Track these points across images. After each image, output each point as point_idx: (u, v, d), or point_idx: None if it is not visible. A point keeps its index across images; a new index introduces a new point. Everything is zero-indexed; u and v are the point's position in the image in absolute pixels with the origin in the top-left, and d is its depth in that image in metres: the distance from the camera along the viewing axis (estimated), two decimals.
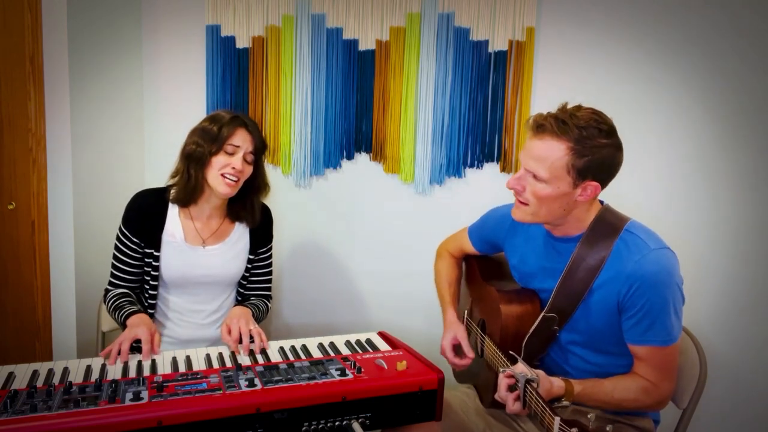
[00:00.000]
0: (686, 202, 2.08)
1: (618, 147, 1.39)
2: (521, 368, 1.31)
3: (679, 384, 1.56)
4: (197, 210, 1.78)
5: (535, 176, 1.39)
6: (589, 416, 1.12)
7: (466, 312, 1.85)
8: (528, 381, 1.26)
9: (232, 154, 1.69)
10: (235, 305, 1.85)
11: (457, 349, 1.70)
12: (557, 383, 1.35)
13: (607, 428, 1.08)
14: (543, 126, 1.37)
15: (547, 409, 1.17)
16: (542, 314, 1.49)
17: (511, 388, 1.32)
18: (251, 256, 1.86)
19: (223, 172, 1.68)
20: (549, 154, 1.36)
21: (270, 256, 1.92)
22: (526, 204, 1.44)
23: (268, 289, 1.94)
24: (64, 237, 2.20)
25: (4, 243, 2.23)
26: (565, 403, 1.16)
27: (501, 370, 1.37)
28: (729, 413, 2.09)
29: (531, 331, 1.51)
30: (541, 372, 1.33)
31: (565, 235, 1.49)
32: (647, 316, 1.37)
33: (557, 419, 1.12)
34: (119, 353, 1.53)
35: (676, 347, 1.41)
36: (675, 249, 1.43)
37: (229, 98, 2.41)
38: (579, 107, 1.41)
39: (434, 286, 1.91)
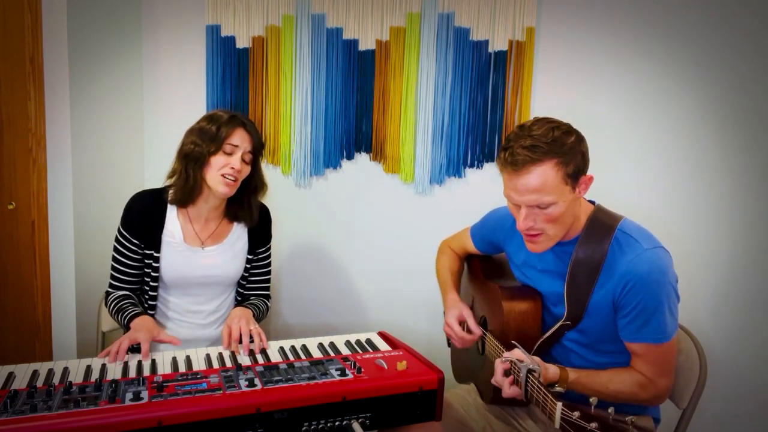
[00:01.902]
0: (685, 202, 2.08)
1: (581, 137, 1.42)
2: (518, 354, 1.34)
3: (679, 384, 1.56)
4: (195, 211, 1.78)
5: (539, 206, 1.39)
6: (591, 400, 1.14)
7: None
8: (530, 371, 1.29)
9: (230, 154, 1.69)
10: (235, 305, 1.86)
11: (462, 327, 1.70)
12: (552, 369, 1.38)
13: (609, 410, 1.09)
14: (521, 160, 1.36)
15: (549, 396, 1.19)
16: (560, 323, 1.50)
17: (506, 373, 1.34)
18: (250, 256, 1.86)
19: (222, 173, 1.67)
20: (543, 180, 1.36)
21: (269, 256, 1.92)
22: (541, 233, 1.43)
23: (268, 288, 1.94)
24: (64, 237, 2.20)
25: (4, 243, 2.23)
26: (558, 389, 1.18)
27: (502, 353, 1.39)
28: (729, 413, 2.09)
29: (545, 336, 1.53)
30: (537, 358, 1.37)
31: (562, 238, 1.50)
32: (641, 315, 1.39)
33: (559, 404, 1.14)
34: (117, 353, 1.53)
35: (671, 344, 1.42)
36: (674, 248, 1.43)
37: (229, 98, 2.41)
38: (529, 127, 1.40)
39: (435, 286, 1.90)
